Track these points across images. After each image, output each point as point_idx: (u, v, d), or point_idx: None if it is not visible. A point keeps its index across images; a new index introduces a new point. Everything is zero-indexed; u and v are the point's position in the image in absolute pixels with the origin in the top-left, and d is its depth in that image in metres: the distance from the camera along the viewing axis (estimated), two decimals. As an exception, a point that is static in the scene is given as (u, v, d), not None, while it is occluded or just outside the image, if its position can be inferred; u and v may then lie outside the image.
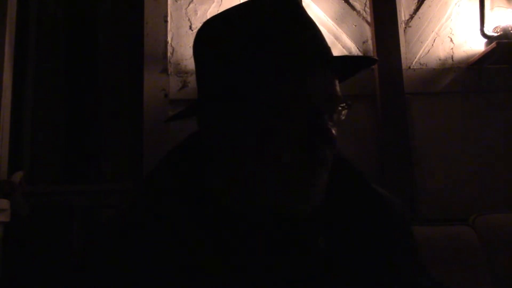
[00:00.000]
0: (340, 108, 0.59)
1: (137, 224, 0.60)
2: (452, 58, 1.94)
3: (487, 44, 1.91)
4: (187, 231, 0.58)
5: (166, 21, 1.94)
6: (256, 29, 0.57)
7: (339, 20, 1.95)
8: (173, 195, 0.61)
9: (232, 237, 0.59)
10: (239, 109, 0.58)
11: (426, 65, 1.93)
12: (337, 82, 0.59)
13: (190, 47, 1.93)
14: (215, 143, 0.62)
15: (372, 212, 0.65)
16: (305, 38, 0.57)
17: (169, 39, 1.94)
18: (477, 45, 1.94)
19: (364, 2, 1.98)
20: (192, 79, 1.89)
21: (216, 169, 0.63)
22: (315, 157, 0.56)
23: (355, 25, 1.96)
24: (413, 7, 1.99)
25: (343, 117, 0.60)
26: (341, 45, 1.94)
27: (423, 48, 1.95)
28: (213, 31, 0.63)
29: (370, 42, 1.94)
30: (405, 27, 1.96)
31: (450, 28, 1.97)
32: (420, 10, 1.98)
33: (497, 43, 1.79)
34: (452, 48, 1.95)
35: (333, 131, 0.56)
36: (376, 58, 0.66)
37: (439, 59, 1.94)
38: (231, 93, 0.58)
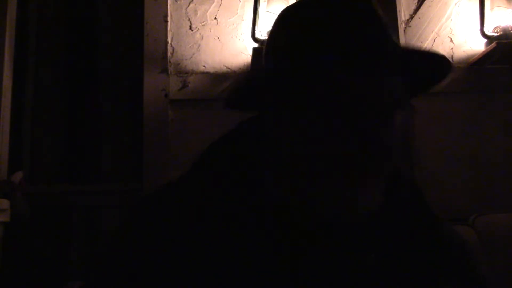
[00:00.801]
0: (403, 111, 0.58)
1: (184, 201, 0.60)
2: (452, 58, 1.94)
3: (487, 44, 1.91)
4: (234, 217, 0.58)
5: (166, 21, 1.94)
6: (323, 24, 0.57)
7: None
8: (224, 180, 0.61)
9: (280, 240, 0.57)
10: (296, 107, 0.57)
11: (426, 65, 1.93)
12: (399, 84, 0.58)
13: (190, 47, 1.93)
14: (273, 137, 0.60)
15: (427, 232, 0.64)
16: (364, 38, 0.57)
17: (169, 39, 1.93)
18: (477, 45, 1.94)
19: (364, 2, 1.98)
20: (192, 79, 1.89)
21: (270, 163, 0.61)
22: (364, 164, 0.54)
23: (355, 25, 1.96)
24: (413, 7, 1.99)
25: (406, 121, 0.59)
26: (341, 45, 1.93)
27: (423, 48, 1.95)
28: (288, 20, 0.63)
29: (370, 42, 1.94)
30: (405, 27, 1.96)
31: (450, 28, 1.97)
32: (420, 10, 1.98)
33: (497, 43, 1.78)
34: (452, 48, 1.95)
35: (385, 138, 0.54)
36: (451, 62, 0.63)
37: (439, 59, 1.94)
38: (292, 90, 0.57)
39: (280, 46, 0.61)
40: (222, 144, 0.66)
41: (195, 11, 1.96)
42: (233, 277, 0.55)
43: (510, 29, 1.86)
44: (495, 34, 1.89)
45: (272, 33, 0.64)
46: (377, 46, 0.58)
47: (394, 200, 0.62)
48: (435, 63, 0.60)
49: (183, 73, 1.91)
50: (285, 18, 0.63)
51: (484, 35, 1.92)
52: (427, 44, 1.95)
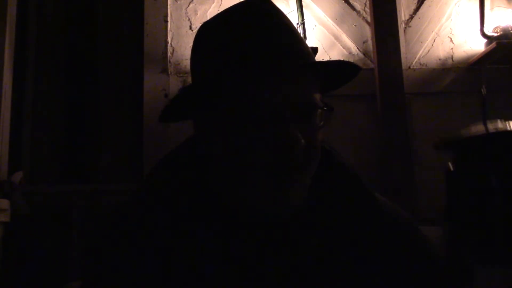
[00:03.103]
0: (318, 113, 0.59)
1: (136, 223, 0.61)
2: (452, 58, 1.94)
3: (487, 44, 1.91)
4: (186, 229, 0.59)
5: (166, 21, 1.94)
6: (230, 36, 0.60)
7: (339, 20, 1.95)
8: (173, 193, 0.62)
9: (226, 237, 0.59)
10: (213, 113, 0.60)
11: (426, 65, 1.94)
12: (315, 88, 0.59)
13: (190, 47, 1.92)
14: (202, 145, 0.64)
15: (366, 217, 0.64)
16: (270, 45, 0.58)
17: (169, 39, 1.94)
18: (477, 45, 1.94)
19: (364, 2, 1.98)
20: (192, 79, 1.89)
21: (210, 170, 0.64)
22: (281, 163, 0.56)
23: (355, 25, 1.96)
24: (413, 7, 1.99)
25: (322, 123, 0.59)
26: (341, 45, 1.94)
27: (423, 48, 1.95)
28: (199, 35, 0.67)
29: (370, 42, 1.94)
30: (405, 27, 1.96)
31: (450, 28, 1.97)
32: (420, 10, 1.98)
33: (497, 43, 1.79)
34: (452, 48, 1.96)
35: (299, 138, 0.55)
36: (360, 67, 0.63)
37: (439, 59, 1.94)
38: (206, 98, 0.60)
39: (195, 62, 0.65)
40: (168, 160, 0.67)
41: (195, 11, 1.96)
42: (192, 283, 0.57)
43: (510, 29, 1.86)
44: (495, 34, 1.89)
45: (192, 49, 0.67)
46: (285, 52, 0.58)
47: (332, 189, 0.64)
48: (343, 66, 0.61)
49: (183, 73, 1.91)
50: (200, 35, 0.66)
51: (484, 35, 1.92)
52: (427, 44, 1.95)
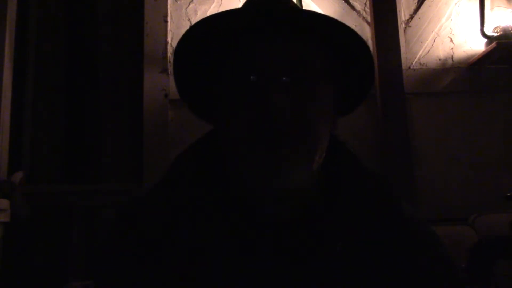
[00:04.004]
0: (308, 76, 0.55)
1: (157, 210, 0.60)
2: (452, 58, 1.95)
3: (487, 44, 1.91)
4: (206, 221, 0.57)
5: (166, 21, 1.94)
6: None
7: (339, 20, 1.95)
8: (195, 183, 0.60)
9: (250, 236, 0.57)
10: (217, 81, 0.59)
11: (426, 65, 1.94)
12: (315, 54, 0.56)
13: (190, 47, 1.93)
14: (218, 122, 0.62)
15: (390, 220, 0.62)
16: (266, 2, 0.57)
17: (169, 39, 1.94)
18: (477, 45, 1.94)
19: (364, 2, 1.98)
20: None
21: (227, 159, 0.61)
22: (269, 130, 0.52)
23: (355, 25, 1.96)
24: (413, 7, 1.99)
25: (314, 86, 0.56)
26: (341, 45, 1.94)
27: (423, 48, 1.95)
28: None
29: (370, 42, 1.94)
30: (405, 27, 1.96)
31: (450, 28, 1.97)
32: (420, 10, 1.98)
33: (497, 43, 1.79)
34: (452, 48, 1.96)
35: (284, 101, 0.51)
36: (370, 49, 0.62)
37: (439, 59, 1.94)
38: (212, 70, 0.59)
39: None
40: (192, 151, 0.66)
41: (195, 11, 1.96)
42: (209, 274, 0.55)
43: (510, 29, 1.86)
44: (495, 34, 1.89)
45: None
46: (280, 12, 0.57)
47: (355, 192, 0.61)
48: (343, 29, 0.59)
49: (183, 73, 1.91)
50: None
51: (484, 35, 1.92)
52: (427, 44, 1.95)
